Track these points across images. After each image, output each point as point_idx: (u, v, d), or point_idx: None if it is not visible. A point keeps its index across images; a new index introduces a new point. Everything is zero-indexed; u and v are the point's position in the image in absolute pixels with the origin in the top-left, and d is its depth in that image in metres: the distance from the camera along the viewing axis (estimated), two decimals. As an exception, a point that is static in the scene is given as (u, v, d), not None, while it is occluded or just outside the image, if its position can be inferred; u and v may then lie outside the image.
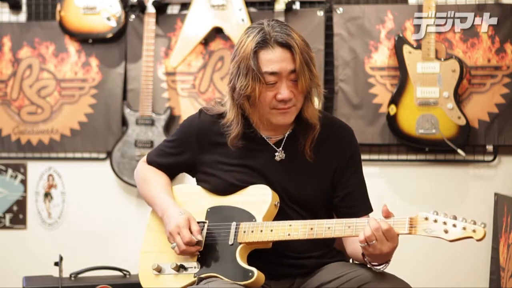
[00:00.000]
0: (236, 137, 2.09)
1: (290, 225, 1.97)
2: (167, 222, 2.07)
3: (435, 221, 1.79)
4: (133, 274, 3.28)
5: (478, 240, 1.75)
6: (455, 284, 3.76)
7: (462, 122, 3.66)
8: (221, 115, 2.14)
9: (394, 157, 3.88)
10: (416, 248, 3.65)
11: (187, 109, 3.98)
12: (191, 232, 2.01)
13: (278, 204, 2.05)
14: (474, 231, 1.75)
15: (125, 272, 3.28)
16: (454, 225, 1.77)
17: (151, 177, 2.24)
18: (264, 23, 2.03)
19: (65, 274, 3.15)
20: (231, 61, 2.06)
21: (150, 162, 2.28)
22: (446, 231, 1.77)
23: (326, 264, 2.09)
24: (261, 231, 1.98)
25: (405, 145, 3.82)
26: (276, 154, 2.11)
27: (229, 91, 2.07)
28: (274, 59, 1.98)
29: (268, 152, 2.12)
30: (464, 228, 1.76)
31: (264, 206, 2.03)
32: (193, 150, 2.18)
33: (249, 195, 2.07)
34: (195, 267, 2.03)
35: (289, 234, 1.96)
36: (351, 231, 1.90)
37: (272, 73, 1.99)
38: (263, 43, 1.99)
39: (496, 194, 3.60)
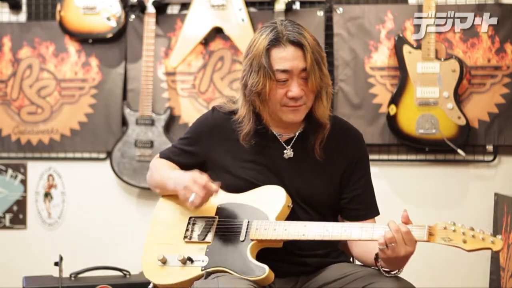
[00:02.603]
0: (247, 134, 2.12)
1: (304, 226, 1.98)
2: (179, 184, 2.07)
3: (454, 231, 1.82)
4: (133, 274, 3.29)
5: (496, 252, 1.78)
6: (455, 284, 3.76)
7: (462, 122, 3.67)
8: (234, 112, 2.16)
9: (394, 157, 3.88)
10: (416, 248, 3.65)
11: (187, 109, 3.98)
12: None
13: (291, 206, 2.06)
14: (493, 242, 1.77)
15: (125, 272, 3.28)
16: (473, 236, 1.79)
17: (163, 166, 2.25)
18: (277, 22, 2.08)
19: (65, 274, 3.15)
20: (244, 58, 2.10)
21: (164, 158, 2.29)
22: (464, 241, 1.80)
23: (329, 263, 2.10)
24: (275, 229, 1.99)
25: (405, 145, 3.82)
26: (285, 152, 2.13)
27: (241, 87, 2.11)
28: (286, 57, 2.02)
29: (277, 149, 2.14)
30: (483, 239, 1.78)
31: (277, 206, 2.04)
32: (206, 147, 2.19)
33: (262, 195, 2.08)
34: (203, 261, 2.02)
35: (303, 234, 1.97)
36: (368, 235, 1.91)
37: (284, 71, 2.02)
38: (275, 41, 2.03)
39: (496, 194, 3.61)
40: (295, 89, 2.03)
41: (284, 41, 2.02)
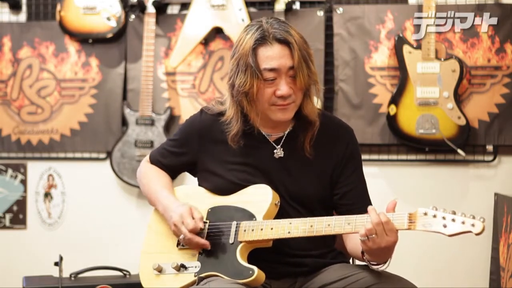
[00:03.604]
0: (236, 135, 2.10)
1: (290, 223, 1.98)
2: (170, 216, 2.09)
3: (434, 216, 1.80)
4: (133, 274, 3.28)
5: (477, 234, 1.75)
6: (455, 284, 3.76)
7: (462, 122, 3.67)
8: (222, 114, 2.15)
9: (394, 157, 3.88)
10: (416, 248, 3.66)
11: (187, 109, 3.98)
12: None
13: (279, 204, 2.06)
14: (473, 225, 1.75)
15: (125, 272, 3.27)
16: (453, 220, 1.78)
17: (153, 176, 2.26)
18: (262, 20, 2.06)
19: (65, 274, 3.14)
20: (231, 58, 2.08)
21: (153, 161, 2.30)
22: (445, 226, 1.78)
23: (327, 264, 2.09)
24: (261, 229, 1.99)
25: (405, 145, 3.82)
26: (275, 151, 2.12)
27: (229, 88, 2.09)
28: (272, 56, 2.00)
29: (267, 149, 2.13)
30: (463, 223, 1.77)
31: (264, 205, 2.04)
32: (194, 149, 2.19)
33: (249, 195, 2.08)
34: (195, 267, 2.04)
35: (289, 232, 1.97)
36: (350, 227, 1.90)
37: (271, 70, 2.01)
38: (261, 40, 2.01)
39: (496, 194, 3.61)
40: (283, 88, 2.01)
41: (270, 39, 2.00)
